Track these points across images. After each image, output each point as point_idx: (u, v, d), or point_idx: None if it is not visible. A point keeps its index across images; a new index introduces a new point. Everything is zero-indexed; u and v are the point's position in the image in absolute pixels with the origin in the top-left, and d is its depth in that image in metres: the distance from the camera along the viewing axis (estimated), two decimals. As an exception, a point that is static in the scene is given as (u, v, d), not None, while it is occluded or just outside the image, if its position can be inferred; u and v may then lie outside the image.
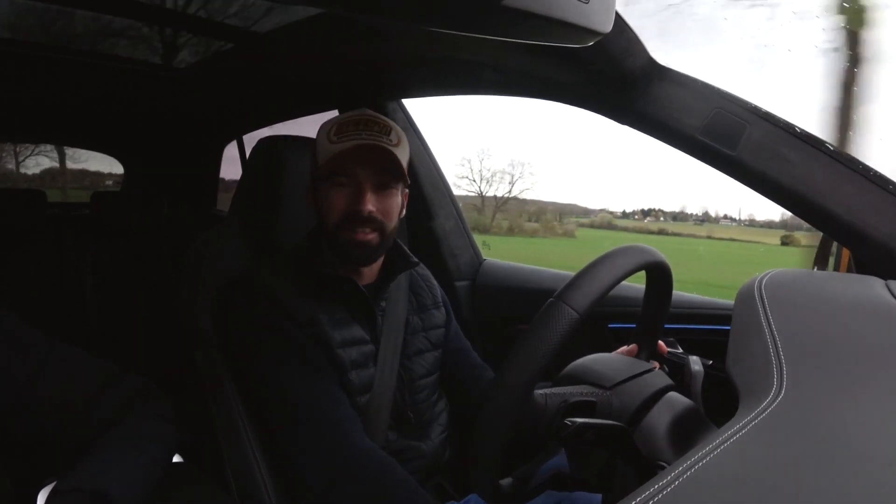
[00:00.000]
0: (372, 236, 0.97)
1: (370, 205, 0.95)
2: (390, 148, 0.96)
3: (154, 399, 0.92)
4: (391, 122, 1.01)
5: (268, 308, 0.96)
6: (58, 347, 0.87)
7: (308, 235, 1.07)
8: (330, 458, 0.91)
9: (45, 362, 0.84)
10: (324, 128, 1.01)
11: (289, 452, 0.94)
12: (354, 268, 1.03)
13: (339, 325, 0.99)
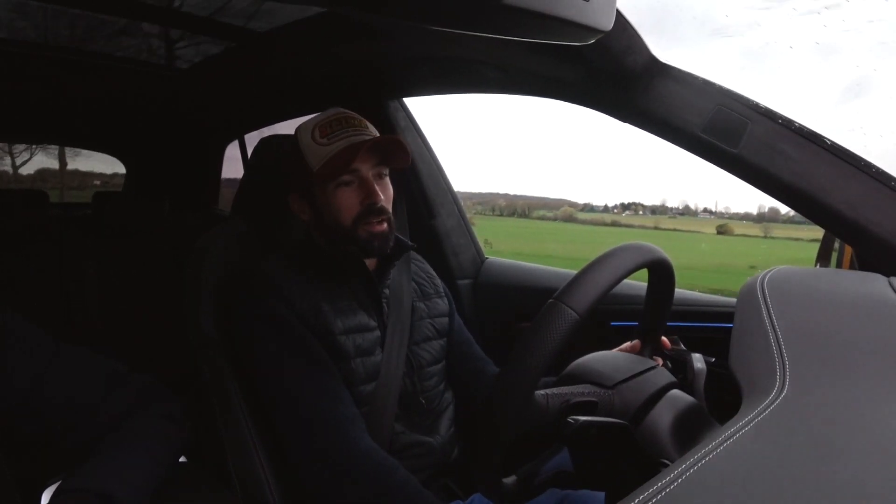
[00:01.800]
0: (385, 226, 1.01)
1: (381, 196, 0.99)
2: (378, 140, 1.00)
3: (161, 399, 0.92)
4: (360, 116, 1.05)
5: (269, 300, 0.97)
6: (64, 347, 0.88)
7: (306, 232, 1.08)
8: (329, 458, 0.91)
9: (51, 362, 0.84)
10: (304, 133, 1.02)
11: (289, 452, 0.95)
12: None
13: (343, 313, 1.00)
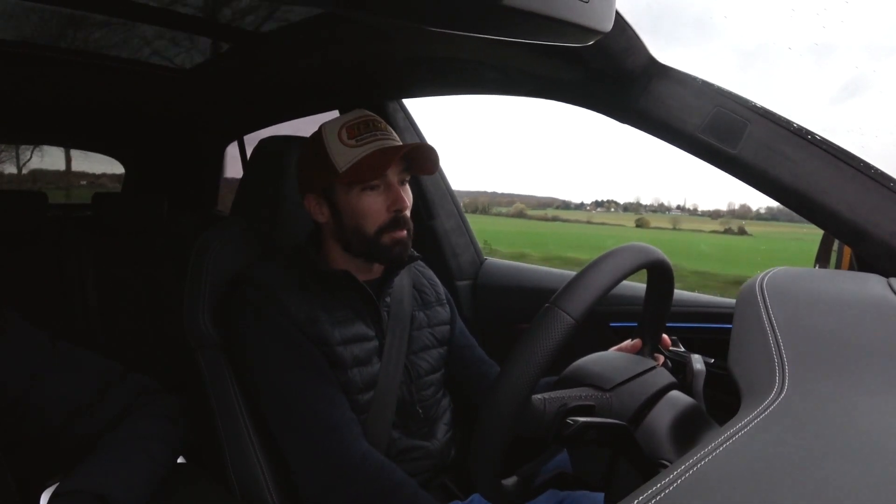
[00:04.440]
0: (405, 233, 1.00)
1: (407, 203, 0.99)
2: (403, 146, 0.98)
3: (158, 398, 0.92)
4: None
5: (267, 308, 0.97)
6: (61, 347, 0.88)
7: (310, 235, 1.07)
8: (324, 462, 0.91)
9: (49, 362, 0.84)
10: (330, 131, 0.99)
11: (286, 454, 0.95)
12: (360, 265, 1.04)
13: (341, 323, 0.99)
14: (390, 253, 0.99)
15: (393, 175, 0.98)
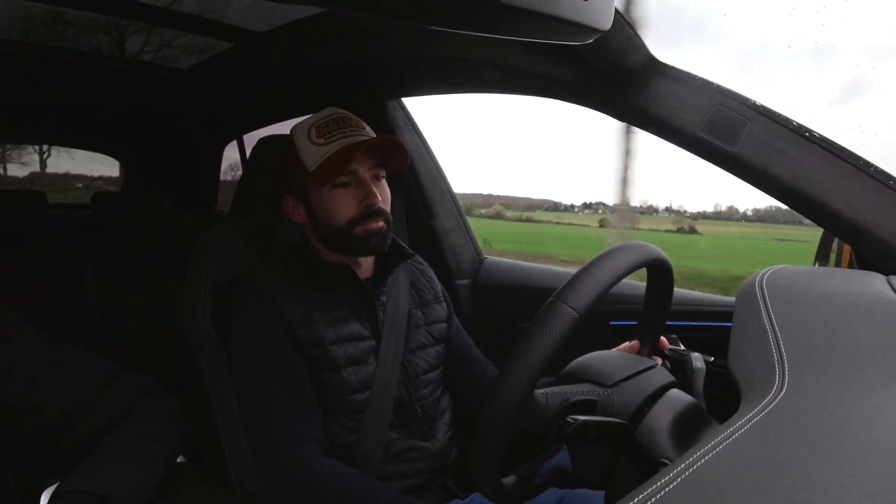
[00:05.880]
0: (382, 224, 0.99)
1: (379, 197, 0.98)
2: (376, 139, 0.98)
3: (158, 398, 0.92)
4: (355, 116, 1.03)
5: (261, 309, 0.97)
6: (60, 347, 0.88)
7: (302, 235, 1.07)
8: (282, 475, 0.92)
9: (47, 362, 0.84)
10: (300, 133, 1.01)
11: (255, 457, 0.96)
12: (349, 263, 1.04)
13: (335, 323, 0.99)
14: (367, 244, 0.99)
15: (364, 171, 0.98)
